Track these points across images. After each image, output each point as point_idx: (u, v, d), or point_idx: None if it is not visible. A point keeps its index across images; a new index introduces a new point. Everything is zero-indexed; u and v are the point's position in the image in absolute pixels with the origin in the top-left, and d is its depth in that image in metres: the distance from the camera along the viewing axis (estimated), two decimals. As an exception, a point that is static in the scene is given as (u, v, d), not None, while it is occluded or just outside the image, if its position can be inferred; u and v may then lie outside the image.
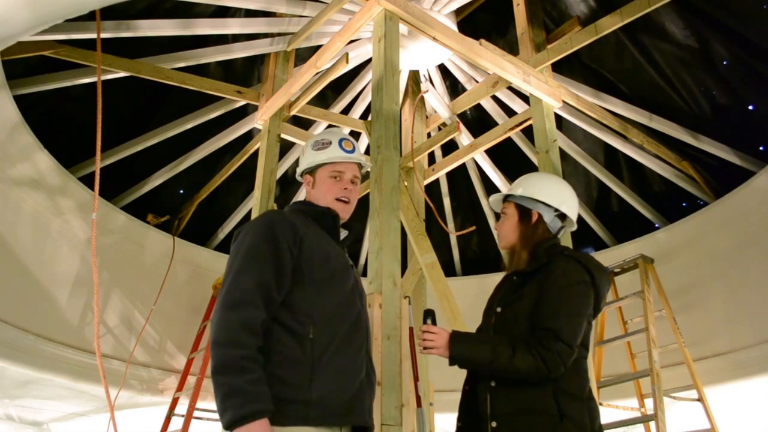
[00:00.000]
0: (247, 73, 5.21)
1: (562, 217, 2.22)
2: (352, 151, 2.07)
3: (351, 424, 1.70)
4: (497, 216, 2.38)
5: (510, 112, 5.12)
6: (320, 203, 2.01)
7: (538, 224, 2.19)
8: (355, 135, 5.61)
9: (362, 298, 1.95)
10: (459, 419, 2.08)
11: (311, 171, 2.07)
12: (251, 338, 1.59)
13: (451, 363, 2.01)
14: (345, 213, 2.03)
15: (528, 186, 2.26)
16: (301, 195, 5.98)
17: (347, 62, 4.00)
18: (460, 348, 1.98)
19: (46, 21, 2.48)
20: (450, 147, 5.45)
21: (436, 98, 4.82)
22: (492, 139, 4.50)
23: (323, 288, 1.79)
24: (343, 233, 2.06)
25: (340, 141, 2.07)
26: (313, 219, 1.95)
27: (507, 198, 2.30)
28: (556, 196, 2.22)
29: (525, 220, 2.21)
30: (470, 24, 4.96)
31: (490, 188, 5.94)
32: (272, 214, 1.89)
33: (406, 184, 4.75)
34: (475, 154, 4.85)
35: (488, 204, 6.05)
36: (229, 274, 1.72)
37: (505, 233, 2.24)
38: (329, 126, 5.20)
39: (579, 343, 1.93)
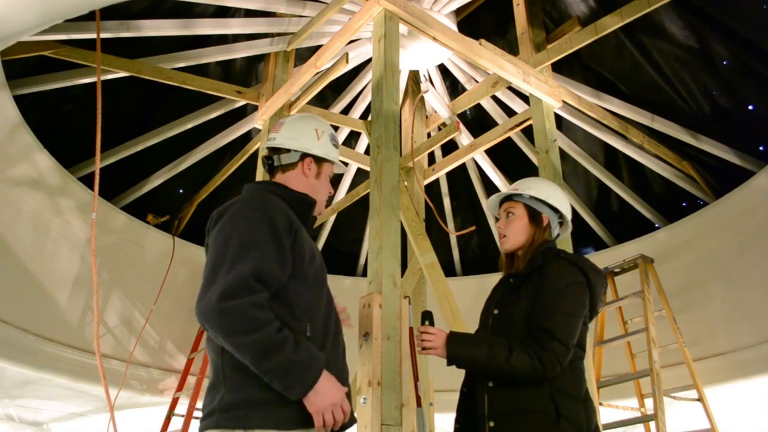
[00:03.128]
0: (246, 73, 5.21)
1: (560, 224, 2.26)
2: None
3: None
4: (495, 218, 2.36)
5: (510, 112, 5.12)
6: (307, 193, 1.94)
7: (547, 228, 2.19)
8: (355, 135, 5.61)
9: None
10: (456, 421, 2.09)
11: (318, 160, 1.98)
12: (266, 313, 1.54)
13: (449, 363, 2.02)
14: (322, 211, 2.04)
15: (539, 188, 2.23)
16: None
17: (347, 62, 4.00)
18: (457, 348, 1.99)
19: (52, 19, 2.48)
20: (450, 147, 5.45)
21: (436, 98, 4.81)
22: (492, 139, 4.50)
23: (312, 285, 1.75)
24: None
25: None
26: (289, 204, 1.83)
27: (511, 198, 2.25)
28: (565, 203, 2.25)
29: (536, 222, 2.18)
30: (470, 24, 4.96)
31: (490, 188, 5.94)
32: (263, 200, 1.77)
33: (406, 184, 4.75)
34: (475, 154, 4.85)
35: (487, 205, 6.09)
36: (221, 263, 1.58)
37: (515, 234, 2.18)
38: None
39: (575, 343, 1.94)
